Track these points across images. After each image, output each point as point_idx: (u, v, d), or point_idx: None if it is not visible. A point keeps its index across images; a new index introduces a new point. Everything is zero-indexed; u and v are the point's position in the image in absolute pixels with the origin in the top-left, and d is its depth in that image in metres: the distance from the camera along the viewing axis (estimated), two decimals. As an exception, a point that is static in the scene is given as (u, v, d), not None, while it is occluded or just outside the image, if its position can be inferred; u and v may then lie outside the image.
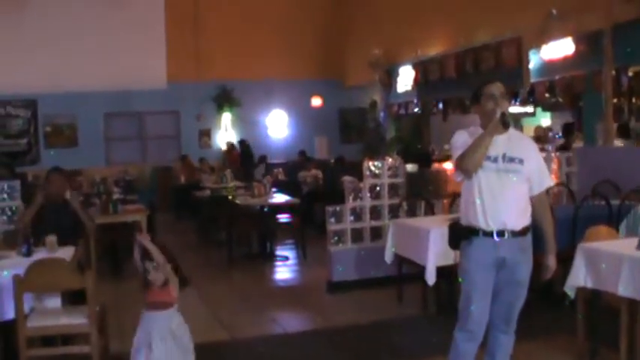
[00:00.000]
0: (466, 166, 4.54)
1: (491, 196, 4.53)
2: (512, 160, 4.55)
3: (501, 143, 4.56)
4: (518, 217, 4.58)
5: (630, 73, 11.15)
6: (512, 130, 4.70)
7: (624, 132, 11.56)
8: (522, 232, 4.60)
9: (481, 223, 4.56)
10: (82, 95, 18.53)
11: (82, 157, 18.58)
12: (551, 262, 4.78)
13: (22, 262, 5.86)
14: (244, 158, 19.20)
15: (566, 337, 6.32)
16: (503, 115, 4.49)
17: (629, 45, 10.28)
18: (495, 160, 4.54)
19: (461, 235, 4.71)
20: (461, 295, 4.75)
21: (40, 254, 6.24)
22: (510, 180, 4.54)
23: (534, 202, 4.69)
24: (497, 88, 4.61)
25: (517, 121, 18.19)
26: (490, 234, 4.55)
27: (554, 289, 7.51)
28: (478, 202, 4.56)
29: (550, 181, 4.84)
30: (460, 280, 4.77)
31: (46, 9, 18.08)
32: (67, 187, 7.68)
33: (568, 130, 13.64)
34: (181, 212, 16.81)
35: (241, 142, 19.89)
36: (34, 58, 17.70)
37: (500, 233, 4.55)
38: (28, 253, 6.28)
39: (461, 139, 4.68)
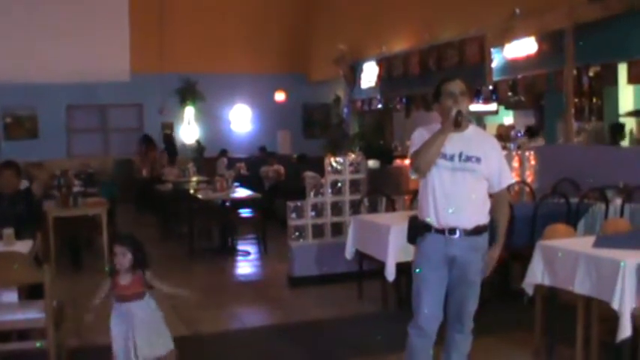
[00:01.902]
0: (418, 164, 4.53)
1: (444, 195, 4.52)
2: (468, 158, 4.52)
3: (460, 142, 4.54)
4: (471, 216, 4.56)
5: (591, 73, 11.26)
6: (473, 128, 4.70)
7: (533, 133, 11.78)
8: (475, 232, 4.57)
9: (433, 221, 4.57)
10: (44, 87, 18.32)
11: (43, 149, 18.36)
12: (494, 253, 4.72)
13: (-22, 255, 5.78)
14: (170, 151, 19.06)
15: (523, 334, 6.38)
16: (459, 113, 4.45)
17: (590, 45, 10.38)
18: (452, 158, 4.52)
19: (417, 230, 4.71)
20: (412, 292, 4.76)
21: (-4, 248, 6.16)
22: (465, 179, 4.52)
23: (494, 199, 4.69)
24: (457, 86, 4.58)
25: (480, 119, 18.32)
26: (442, 231, 4.56)
27: (512, 286, 7.60)
28: (431, 199, 4.56)
29: (510, 179, 4.84)
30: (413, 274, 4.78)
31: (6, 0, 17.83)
32: (18, 181, 7.57)
33: (531, 132, 13.75)
34: (143, 205, 16.70)
35: (166, 135, 19.74)
36: (-7, 49, 17.44)
37: (452, 231, 4.54)
38: (-16, 247, 6.19)
39: (419, 136, 4.65)
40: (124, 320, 4.94)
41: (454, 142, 4.52)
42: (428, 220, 4.60)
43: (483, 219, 4.62)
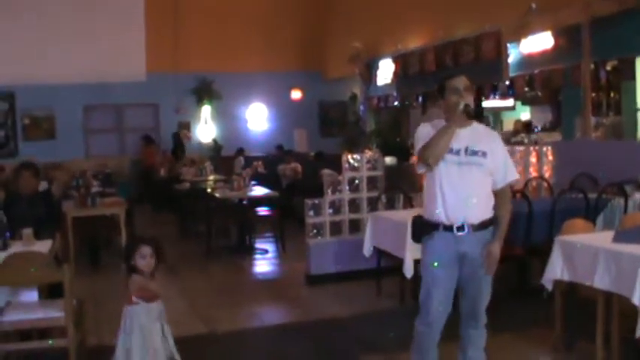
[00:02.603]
0: (428, 157, 4.54)
1: (452, 189, 4.54)
2: (475, 153, 4.56)
3: (465, 136, 4.58)
4: (478, 210, 4.58)
5: (608, 67, 11.20)
6: (477, 124, 4.73)
7: (528, 128, 11.71)
8: (483, 226, 4.60)
9: (442, 217, 4.58)
10: (61, 87, 18.37)
11: (61, 149, 18.44)
12: (495, 248, 4.64)
13: (-1, 255, 5.82)
14: (178, 151, 19.13)
15: (542, 330, 6.35)
16: (467, 106, 4.52)
17: (607, 39, 10.33)
18: (458, 152, 4.55)
19: (422, 229, 4.74)
20: (421, 289, 4.78)
21: (16, 247, 6.19)
22: (472, 173, 4.55)
23: (497, 195, 4.69)
24: (461, 82, 4.61)
25: (497, 114, 18.28)
26: (450, 228, 4.57)
27: (531, 281, 7.58)
28: (439, 194, 4.58)
29: (515, 174, 4.83)
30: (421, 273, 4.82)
31: (23, 1, 17.86)
32: (37, 182, 7.62)
33: (528, 128, 13.69)
34: (161, 205, 16.76)
35: (175, 134, 19.77)
36: (11, 50, 17.46)
37: (460, 228, 4.56)
38: (4, 247, 6.21)
39: (424, 131, 4.68)
40: (157, 319, 4.87)
41: (460, 137, 4.56)
42: (436, 217, 4.60)
43: (489, 213, 4.65)
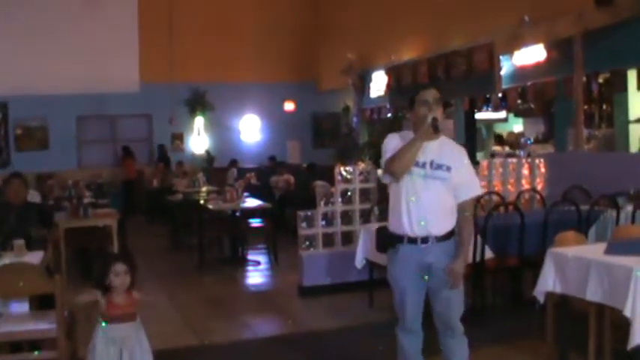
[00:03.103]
0: (394, 169, 4.60)
1: (417, 202, 4.58)
2: (439, 167, 4.60)
3: (431, 150, 4.63)
4: (442, 222, 4.64)
5: (600, 80, 11.25)
6: (444, 138, 4.77)
7: (500, 140, 11.69)
8: (446, 237, 4.65)
9: (406, 229, 4.63)
10: (54, 98, 18.34)
11: (54, 160, 18.41)
12: (457, 266, 4.62)
13: (-11, 266, 5.78)
14: (163, 163, 19.12)
15: (535, 342, 6.35)
16: (435, 120, 4.55)
17: (599, 51, 10.37)
18: (423, 165, 4.60)
19: (387, 240, 4.80)
20: (394, 298, 4.86)
21: (7, 258, 6.15)
22: (436, 186, 4.59)
23: (459, 209, 4.71)
24: (431, 95, 4.66)
25: (489, 126, 18.33)
26: (414, 240, 4.62)
27: (523, 293, 7.58)
28: (404, 207, 4.62)
29: (478, 190, 4.89)
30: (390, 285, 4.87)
31: (17, 11, 17.86)
32: (26, 191, 7.55)
33: (499, 141, 13.60)
34: (153, 216, 16.74)
35: (160, 146, 19.72)
36: (4, 60, 17.48)
37: (424, 240, 4.61)
38: (-4, 258, 6.19)
39: (392, 143, 4.73)
40: (113, 343, 4.73)
41: (426, 150, 4.61)
42: (401, 229, 4.65)
43: (452, 225, 4.69)
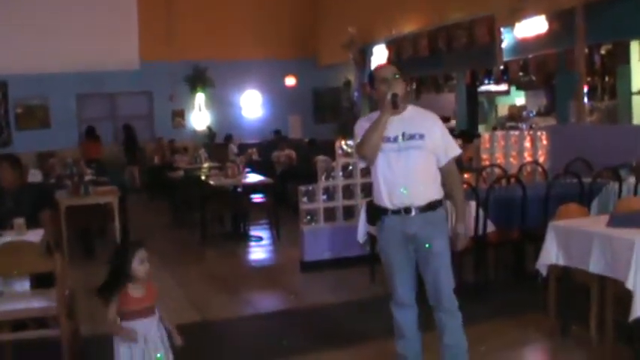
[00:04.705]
0: (364, 151, 4.63)
1: (394, 176, 4.60)
2: (412, 137, 4.61)
3: (400, 123, 4.63)
4: (424, 192, 4.63)
5: (603, 51, 11.18)
6: (412, 108, 4.78)
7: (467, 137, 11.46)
8: (430, 207, 4.64)
9: (387, 204, 4.65)
10: (54, 76, 18.32)
11: (55, 138, 18.41)
12: (461, 229, 4.76)
13: (-10, 245, 5.77)
14: (128, 143, 19.01)
15: (537, 315, 6.33)
16: (394, 95, 4.54)
17: (601, 23, 10.29)
18: (395, 139, 4.61)
19: (374, 214, 4.84)
20: (384, 273, 4.91)
21: (8, 237, 6.14)
22: (412, 157, 4.59)
23: (443, 172, 4.74)
24: (389, 71, 4.71)
25: (491, 99, 18.26)
26: (398, 212, 4.64)
27: (526, 266, 7.56)
28: (382, 183, 4.65)
29: (457, 150, 4.85)
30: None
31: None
32: (18, 173, 7.26)
33: (464, 137, 12.92)
34: (155, 193, 16.73)
35: (126, 126, 19.56)
36: (3, 39, 17.44)
37: (407, 210, 4.62)
38: (-4, 237, 6.18)
39: (361, 127, 4.74)
40: (137, 343, 4.28)
41: (395, 125, 4.61)
42: (383, 203, 4.68)
43: (436, 194, 4.70)
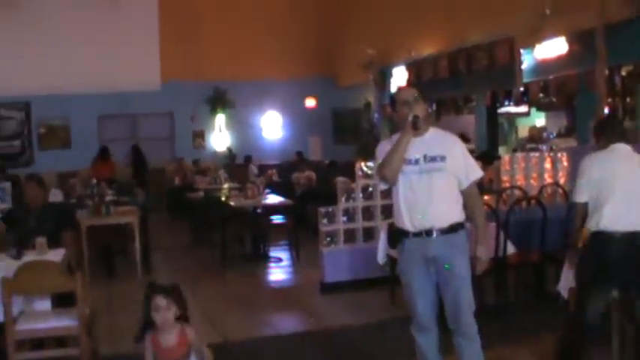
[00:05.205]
0: (385, 174, 4.65)
1: (415, 199, 4.62)
2: (433, 159, 4.63)
3: (421, 145, 4.65)
4: (445, 214, 4.64)
5: (623, 72, 11.13)
6: (433, 130, 4.79)
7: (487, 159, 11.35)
8: (451, 229, 4.64)
9: (408, 226, 4.66)
10: (76, 97, 18.47)
11: (75, 158, 18.49)
12: (481, 252, 4.75)
13: (12, 264, 5.81)
14: (137, 165, 18.98)
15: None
16: (415, 117, 4.57)
17: (622, 44, 10.26)
18: (417, 162, 4.63)
19: (395, 236, 4.82)
20: (404, 296, 4.90)
21: (29, 257, 6.18)
22: (434, 179, 4.61)
23: (464, 195, 4.75)
24: (410, 93, 4.74)
25: (511, 121, 18.20)
26: (419, 234, 4.64)
27: (546, 288, 7.52)
28: (403, 205, 4.66)
29: (478, 172, 4.86)
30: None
31: (40, 11, 18.02)
32: (43, 192, 7.38)
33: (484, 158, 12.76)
34: (175, 213, 16.80)
35: (134, 147, 19.56)
36: (27, 60, 17.68)
37: (428, 232, 4.62)
38: (18, 256, 6.22)
39: (383, 149, 4.77)
40: None
41: (416, 147, 4.63)
42: (404, 226, 4.68)
43: (457, 217, 4.71)
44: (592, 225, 5.15)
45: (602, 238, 5.08)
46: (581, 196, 5.21)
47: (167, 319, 4.12)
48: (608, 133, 5.41)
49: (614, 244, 5.04)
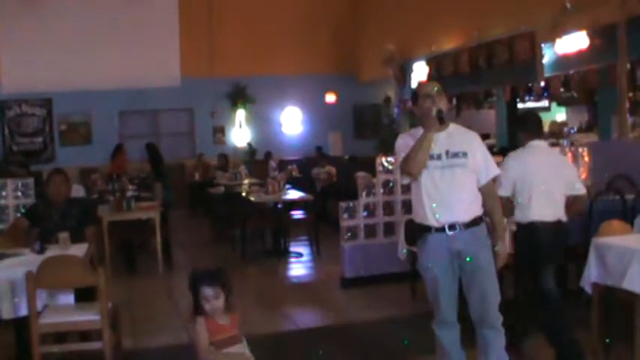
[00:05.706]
0: (410, 168, 4.64)
1: (439, 194, 4.63)
2: (455, 155, 4.66)
3: (444, 140, 4.67)
4: (467, 209, 4.67)
5: (645, 67, 11.05)
6: (454, 126, 4.82)
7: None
8: (473, 223, 4.68)
9: (431, 221, 4.66)
10: (97, 93, 18.60)
11: (96, 154, 18.60)
12: (500, 248, 4.81)
13: (36, 259, 5.87)
14: (154, 162, 18.88)
15: (581, 333, 6.26)
16: (440, 111, 4.59)
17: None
18: (439, 157, 4.64)
19: (416, 232, 4.84)
20: (427, 291, 4.89)
21: (53, 251, 6.24)
22: (456, 174, 4.63)
23: (483, 191, 4.78)
24: (432, 87, 4.75)
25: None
26: (442, 229, 4.65)
27: (567, 284, 7.49)
28: (426, 201, 4.66)
29: (496, 170, 4.90)
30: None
31: (61, 8, 18.12)
32: (68, 188, 7.46)
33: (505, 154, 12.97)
34: (196, 209, 16.87)
35: (148, 145, 19.31)
36: (49, 56, 17.83)
37: (452, 227, 4.64)
38: (42, 251, 6.28)
39: (404, 143, 4.77)
40: None
41: (439, 142, 4.65)
42: (426, 221, 4.69)
43: (478, 210, 4.75)
44: (523, 217, 5.62)
45: (532, 228, 5.59)
46: (501, 191, 5.48)
47: (217, 307, 4.21)
48: (527, 129, 5.82)
49: (544, 233, 5.56)
